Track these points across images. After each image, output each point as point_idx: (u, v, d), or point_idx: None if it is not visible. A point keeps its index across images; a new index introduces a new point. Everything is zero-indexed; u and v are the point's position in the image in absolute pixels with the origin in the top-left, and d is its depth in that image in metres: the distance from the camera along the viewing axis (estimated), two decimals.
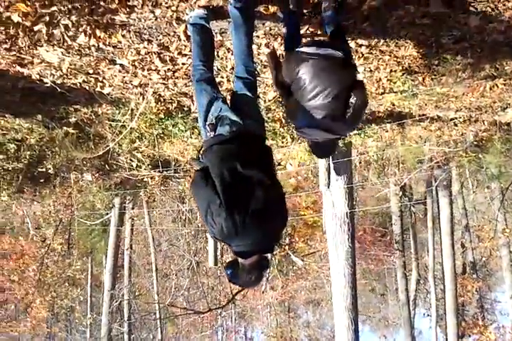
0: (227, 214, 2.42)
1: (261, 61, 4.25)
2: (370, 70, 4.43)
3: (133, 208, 11.15)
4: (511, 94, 5.14)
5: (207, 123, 2.82)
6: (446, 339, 11.88)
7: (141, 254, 14.75)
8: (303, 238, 13.63)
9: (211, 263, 7.81)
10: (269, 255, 2.79)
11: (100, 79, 4.44)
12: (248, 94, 2.93)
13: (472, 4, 3.28)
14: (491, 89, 4.91)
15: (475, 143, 7.15)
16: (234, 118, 2.76)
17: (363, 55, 4.07)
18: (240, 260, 2.52)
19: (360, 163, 9.45)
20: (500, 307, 14.76)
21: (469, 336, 12.76)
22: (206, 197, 2.52)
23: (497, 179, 10.22)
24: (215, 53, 3.79)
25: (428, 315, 14.73)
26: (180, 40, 3.68)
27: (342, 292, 5.91)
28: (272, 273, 12.54)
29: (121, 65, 4.11)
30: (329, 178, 6.15)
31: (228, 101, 2.99)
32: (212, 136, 2.77)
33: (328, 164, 6.00)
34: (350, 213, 6.30)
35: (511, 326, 12.41)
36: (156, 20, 3.39)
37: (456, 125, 6.38)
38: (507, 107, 5.70)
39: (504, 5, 3.29)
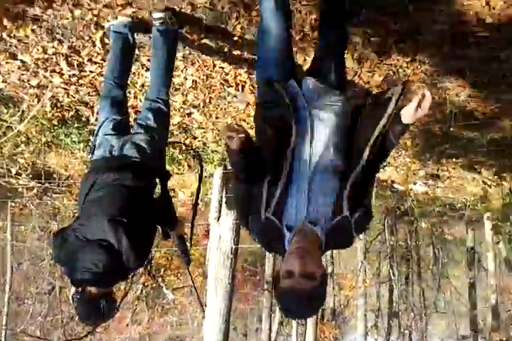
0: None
1: (173, 83, 4.21)
2: None
3: None
4: (392, 154, 5.60)
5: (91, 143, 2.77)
6: None
7: None
8: (175, 271, 13.33)
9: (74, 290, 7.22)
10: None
11: None
12: (151, 123, 2.84)
13: (378, 65, 3.59)
14: None
15: None
16: (112, 143, 2.68)
17: None
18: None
19: None
20: None
21: None
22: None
23: None
24: None
25: None
26: (94, 46, 3.52)
27: (214, 328, 5.82)
28: (139, 306, 12.00)
29: (22, 61, 3.81)
30: (220, 211, 6.15)
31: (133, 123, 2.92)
32: (90, 158, 2.73)
33: (221, 197, 6.01)
34: (235, 249, 6.32)
35: None
36: (73, 20, 3.22)
37: None
38: (386, 166, 6.19)
39: (404, 71, 3.63)
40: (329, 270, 15.02)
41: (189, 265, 3.01)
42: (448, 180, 6.45)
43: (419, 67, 3.55)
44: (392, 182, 7.33)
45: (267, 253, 14.66)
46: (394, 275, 14.05)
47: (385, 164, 6.30)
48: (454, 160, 5.53)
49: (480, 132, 4.57)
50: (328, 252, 14.60)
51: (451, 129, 4.40)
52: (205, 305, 6.25)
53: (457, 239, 14.76)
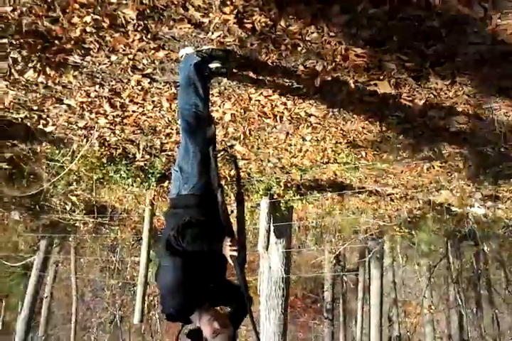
0: None
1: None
2: (317, 140, 4.55)
3: (59, 253, 10.48)
4: (446, 177, 5.40)
5: None
6: None
7: (62, 303, 13.74)
8: None
9: (136, 320, 7.29)
10: None
11: (44, 116, 4.29)
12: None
13: (417, 90, 3.48)
14: (428, 170, 5.14)
15: (409, 219, 7.38)
16: None
17: (311, 124, 4.19)
18: None
19: (299, 227, 9.49)
20: None
21: None
22: None
23: (426, 256, 10.48)
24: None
25: None
26: (133, 88, 3.65)
27: None
28: None
29: (68, 105, 4.01)
30: (268, 240, 6.10)
31: None
32: None
33: (269, 226, 5.97)
34: (285, 278, 6.23)
35: None
36: (110, 65, 3.36)
37: (392, 200, 6.58)
38: (441, 189, 5.96)
39: (445, 94, 3.51)
40: (392, 296, 14.49)
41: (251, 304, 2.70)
42: (509, 201, 6.07)
43: (460, 89, 3.41)
44: (449, 205, 7.01)
45: (325, 279, 14.36)
46: (461, 300, 13.29)
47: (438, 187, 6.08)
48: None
49: None
50: (390, 278, 14.10)
51: (503, 150, 4.16)
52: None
53: None
